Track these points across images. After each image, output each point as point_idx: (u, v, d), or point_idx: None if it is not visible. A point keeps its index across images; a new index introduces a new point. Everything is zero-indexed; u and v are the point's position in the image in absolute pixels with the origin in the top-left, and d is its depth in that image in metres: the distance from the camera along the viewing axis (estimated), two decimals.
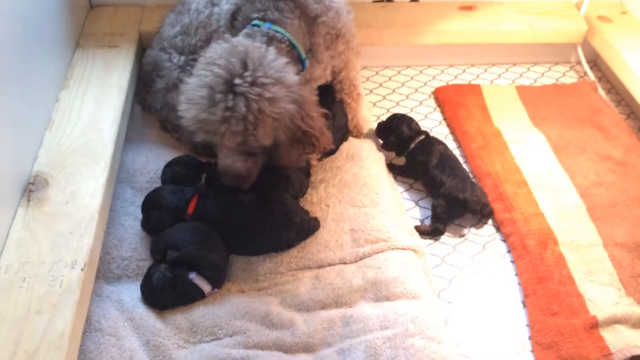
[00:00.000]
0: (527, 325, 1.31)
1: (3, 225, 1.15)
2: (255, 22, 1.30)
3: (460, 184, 1.49)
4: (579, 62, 2.07)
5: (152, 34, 1.66)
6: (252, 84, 1.13)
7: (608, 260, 1.41)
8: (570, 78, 2.03)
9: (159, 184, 1.45)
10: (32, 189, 1.24)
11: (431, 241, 1.48)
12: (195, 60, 1.48)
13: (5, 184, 1.17)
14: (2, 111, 1.16)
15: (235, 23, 1.35)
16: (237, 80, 1.13)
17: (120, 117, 1.45)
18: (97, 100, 1.47)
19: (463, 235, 1.50)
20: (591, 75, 2.01)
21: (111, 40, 1.68)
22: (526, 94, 1.90)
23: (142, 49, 1.75)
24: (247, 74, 1.14)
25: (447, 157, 1.55)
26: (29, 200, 1.21)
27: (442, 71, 2.02)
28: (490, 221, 1.53)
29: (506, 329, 1.31)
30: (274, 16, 1.30)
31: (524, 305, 1.35)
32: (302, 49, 1.33)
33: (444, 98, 1.87)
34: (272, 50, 1.21)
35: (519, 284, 1.39)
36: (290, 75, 1.20)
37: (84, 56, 1.61)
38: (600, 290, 1.35)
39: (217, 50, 1.19)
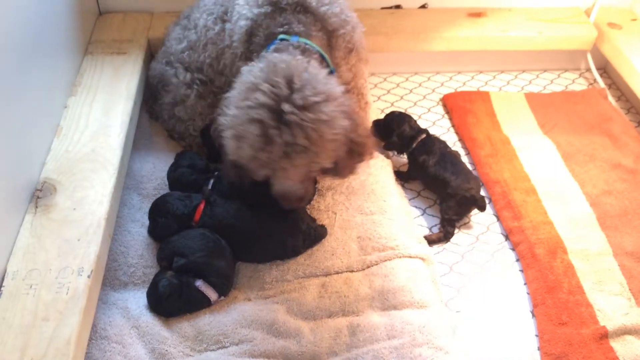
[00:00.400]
0: (536, 335, 1.30)
1: (11, 231, 1.15)
2: (281, 36, 1.26)
3: (465, 182, 1.49)
4: (588, 69, 2.06)
5: (161, 40, 1.67)
6: (304, 108, 1.06)
7: (618, 270, 1.39)
8: (580, 85, 2.01)
9: (166, 190, 1.45)
10: (39, 195, 1.24)
11: (439, 249, 1.47)
12: (202, 80, 1.49)
13: (13, 190, 1.17)
14: (10, 117, 1.17)
15: (254, 39, 1.31)
16: (287, 108, 1.05)
17: (128, 123, 1.45)
18: (105, 107, 1.48)
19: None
20: (601, 83, 2.00)
21: (120, 47, 1.68)
22: (535, 101, 1.89)
23: (150, 55, 1.76)
24: (296, 96, 1.06)
25: (447, 154, 1.55)
26: (36, 207, 1.22)
27: (451, 78, 2.02)
28: (498, 229, 1.52)
29: (515, 338, 1.30)
30: (299, 29, 1.27)
31: (533, 315, 1.34)
32: (328, 58, 1.30)
33: (452, 105, 1.87)
34: (313, 62, 1.17)
35: (528, 293, 1.38)
36: (336, 86, 1.15)
37: (92, 63, 1.61)
38: (610, 300, 1.33)
39: (255, 72, 1.12)
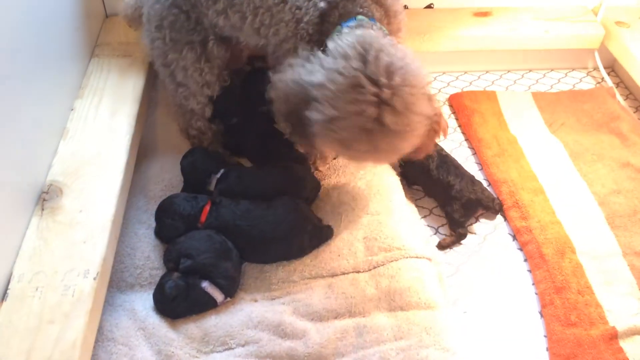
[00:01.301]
0: (545, 336, 1.29)
1: (17, 234, 1.15)
2: (360, 16, 1.18)
3: (469, 184, 1.49)
4: (596, 68, 2.04)
5: None
6: (402, 113, 1.03)
7: (627, 270, 1.38)
8: (587, 84, 2.00)
9: (172, 192, 1.45)
10: (46, 197, 1.24)
11: (446, 250, 1.46)
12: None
13: (19, 192, 1.17)
14: (17, 120, 1.17)
15: (328, 19, 1.21)
16: (389, 117, 1.02)
17: (134, 126, 1.45)
18: (111, 109, 1.48)
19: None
20: (609, 81, 1.98)
21: (126, 50, 1.68)
22: (542, 100, 1.88)
23: None
24: (398, 102, 1.03)
25: (445, 157, 1.54)
26: (42, 209, 1.22)
27: (457, 78, 2.01)
28: (506, 229, 1.51)
29: (523, 340, 1.29)
30: (378, 16, 1.21)
31: (541, 316, 1.33)
32: None
33: (458, 105, 1.86)
34: (410, 52, 1.12)
35: (536, 293, 1.37)
36: (421, 68, 1.09)
37: (99, 65, 1.61)
38: (619, 300, 1.32)
39: (350, 54, 1.04)
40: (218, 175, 1.42)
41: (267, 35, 1.30)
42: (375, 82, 1.02)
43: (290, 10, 1.23)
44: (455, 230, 1.48)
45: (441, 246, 1.47)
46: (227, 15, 1.30)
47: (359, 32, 1.11)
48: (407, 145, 1.09)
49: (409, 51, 1.10)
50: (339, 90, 1.03)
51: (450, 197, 1.48)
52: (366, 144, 1.06)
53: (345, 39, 1.08)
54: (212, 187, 1.41)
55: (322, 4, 1.21)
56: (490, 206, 1.50)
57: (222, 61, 1.42)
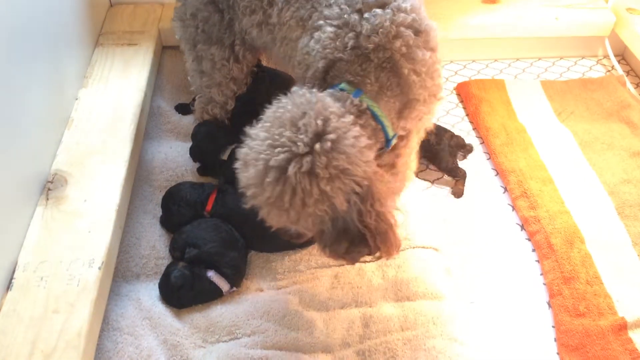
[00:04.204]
0: (553, 327, 1.28)
1: (22, 224, 1.15)
2: (342, 85, 1.03)
3: (443, 132, 1.56)
4: (606, 56, 2.02)
5: (172, 31, 1.65)
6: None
7: (637, 260, 1.36)
8: (598, 72, 1.97)
9: (177, 181, 1.45)
10: (50, 187, 1.24)
11: (454, 240, 1.45)
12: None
13: (24, 182, 1.17)
14: (21, 109, 1.16)
15: (327, 77, 1.08)
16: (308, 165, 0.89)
17: (139, 115, 1.45)
18: (116, 98, 1.47)
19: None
20: (619, 69, 1.95)
21: (130, 38, 1.68)
22: (551, 88, 1.86)
23: (161, 46, 1.76)
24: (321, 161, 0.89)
25: None
26: (47, 199, 1.22)
27: (465, 66, 1.99)
28: (514, 219, 1.50)
29: (530, 330, 1.28)
30: (372, 88, 1.04)
31: (549, 306, 1.31)
32: (391, 128, 1.06)
33: (466, 93, 1.84)
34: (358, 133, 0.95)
35: (544, 284, 1.35)
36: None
37: (103, 54, 1.61)
38: (629, 291, 1.30)
39: (293, 113, 0.92)
40: (233, 146, 1.41)
41: (293, 66, 1.20)
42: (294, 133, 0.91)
43: (300, 51, 1.13)
44: (456, 176, 1.55)
45: (458, 194, 1.54)
46: (261, 30, 1.24)
47: (319, 98, 0.95)
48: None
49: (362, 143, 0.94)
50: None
51: (436, 151, 1.54)
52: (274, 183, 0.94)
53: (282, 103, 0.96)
54: (225, 156, 1.41)
55: (321, 63, 1.07)
56: (465, 145, 1.60)
57: (252, 62, 1.42)
